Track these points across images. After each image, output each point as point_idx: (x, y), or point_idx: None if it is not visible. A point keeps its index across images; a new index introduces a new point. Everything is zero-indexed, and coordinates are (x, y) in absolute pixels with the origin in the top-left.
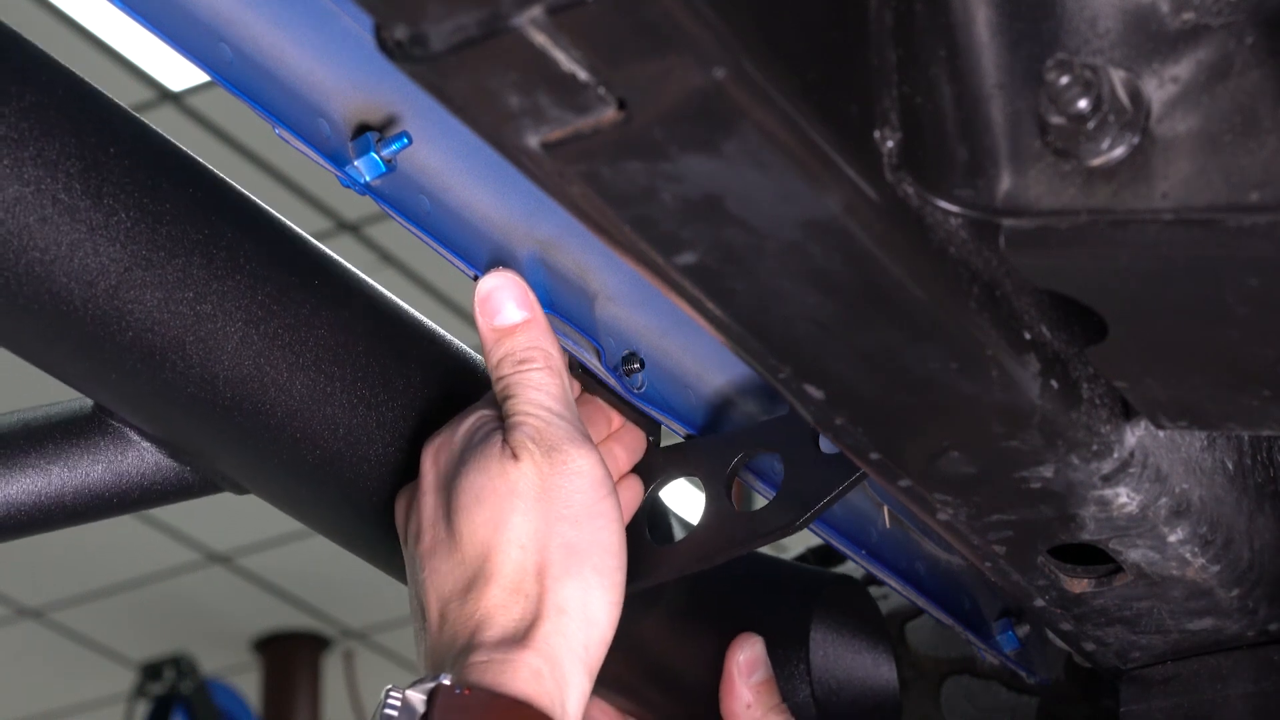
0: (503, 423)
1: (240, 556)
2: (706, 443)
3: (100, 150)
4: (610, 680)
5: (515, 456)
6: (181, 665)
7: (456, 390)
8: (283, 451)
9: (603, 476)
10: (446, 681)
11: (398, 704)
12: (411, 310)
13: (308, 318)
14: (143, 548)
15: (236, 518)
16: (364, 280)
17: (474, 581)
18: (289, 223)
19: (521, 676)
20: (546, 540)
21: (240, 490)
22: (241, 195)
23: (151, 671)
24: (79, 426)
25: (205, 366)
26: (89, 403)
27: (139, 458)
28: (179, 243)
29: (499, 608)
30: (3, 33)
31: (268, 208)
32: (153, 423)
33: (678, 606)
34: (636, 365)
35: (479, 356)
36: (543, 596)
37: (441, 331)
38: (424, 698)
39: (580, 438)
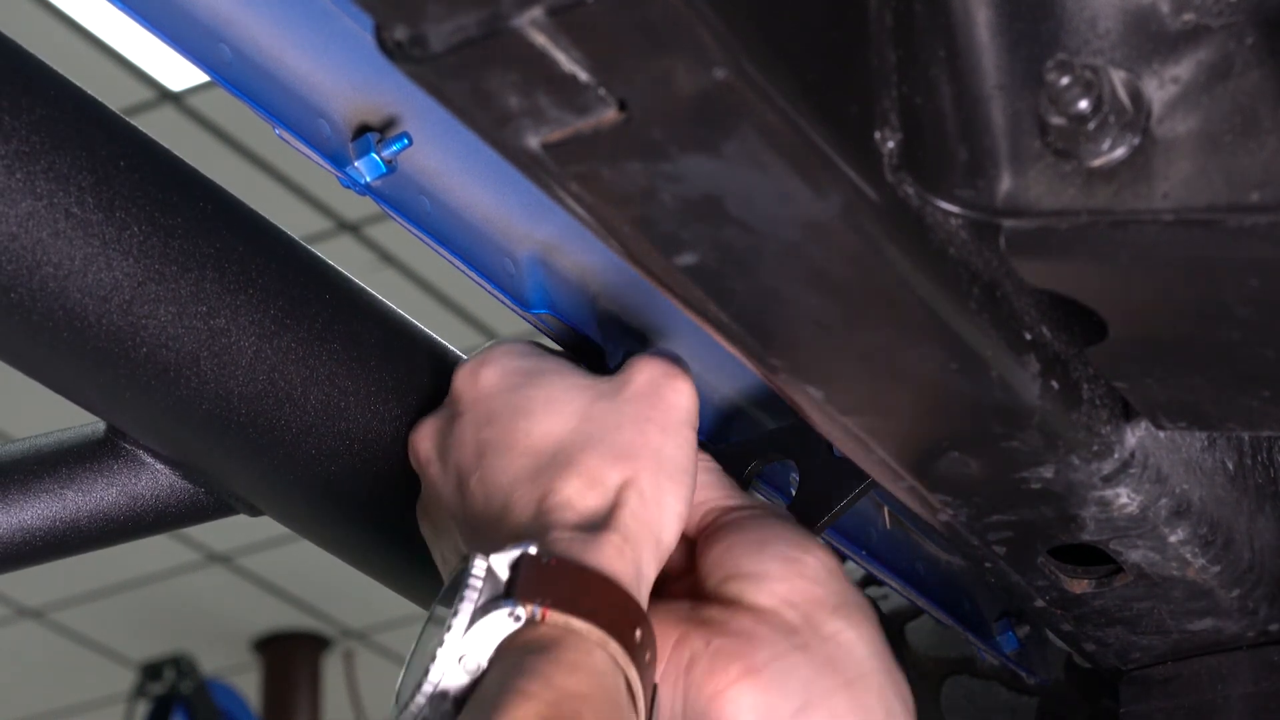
0: None
1: (240, 556)
2: (718, 451)
3: (111, 164)
4: None
5: (618, 371)
6: (181, 665)
7: None
8: (297, 469)
9: (696, 408)
10: (533, 551)
11: (483, 569)
12: (418, 324)
13: (320, 332)
14: (143, 548)
15: (237, 518)
16: (372, 293)
17: (546, 469)
18: (295, 237)
19: (606, 554)
20: (633, 439)
21: (254, 512)
22: (250, 209)
23: (151, 671)
24: (92, 450)
25: (219, 382)
26: (101, 426)
27: (153, 480)
28: (191, 257)
29: (576, 495)
30: (10, 47)
31: (275, 222)
32: (166, 442)
33: None
34: None
35: None
36: (624, 487)
37: (447, 345)
38: (508, 565)
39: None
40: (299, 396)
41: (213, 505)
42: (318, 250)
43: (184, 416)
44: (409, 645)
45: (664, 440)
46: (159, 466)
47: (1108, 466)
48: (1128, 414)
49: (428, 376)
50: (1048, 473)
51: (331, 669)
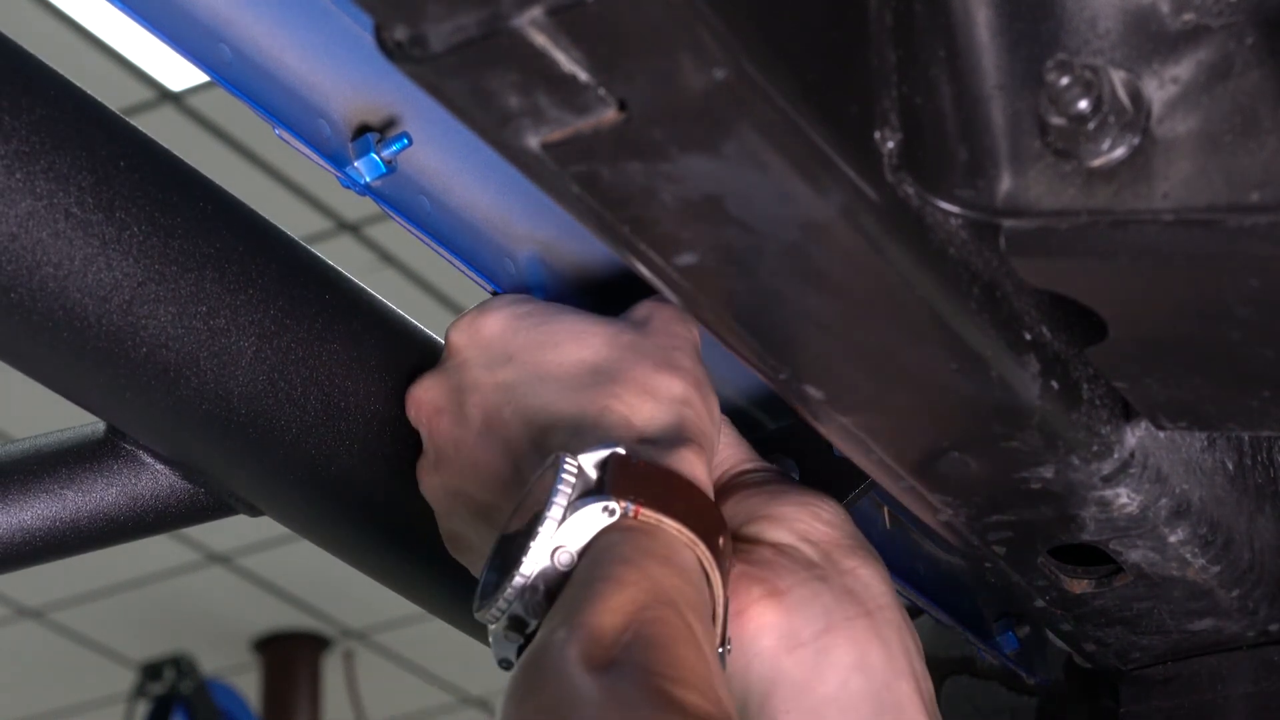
0: None
1: (240, 556)
2: None
3: (111, 164)
4: None
5: (631, 311)
6: (181, 665)
7: None
8: (297, 469)
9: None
10: (621, 451)
11: (574, 466)
12: (417, 323)
13: (320, 332)
14: (143, 548)
15: (237, 518)
16: (372, 293)
17: (590, 387)
18: (295, 237)
19: (688, 460)
20: (667, 358)
21: (254, 512)
22: (250, 209)
23: (151, 671)
24: (92, 451)
25: (220, 382)
26: (101, 427)
27: (153, 480)
28: (191, 257)
29: (631, 410)
30: (10, 47)
31: (275, 222)
32: (166, 443)
33: None
34: None
35: None
36: (677, 400)
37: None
38: (595, 464)
39: None
40: (299, 396)
41: (213, 505)
42: (318, 250)
43: (184, 416)
44: (409, 645)
45: (693, 363)
46: (159, 466)
47: (1108, 466)
48: (1128, 414)
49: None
50: (1048, 473)
51: (331, 669)
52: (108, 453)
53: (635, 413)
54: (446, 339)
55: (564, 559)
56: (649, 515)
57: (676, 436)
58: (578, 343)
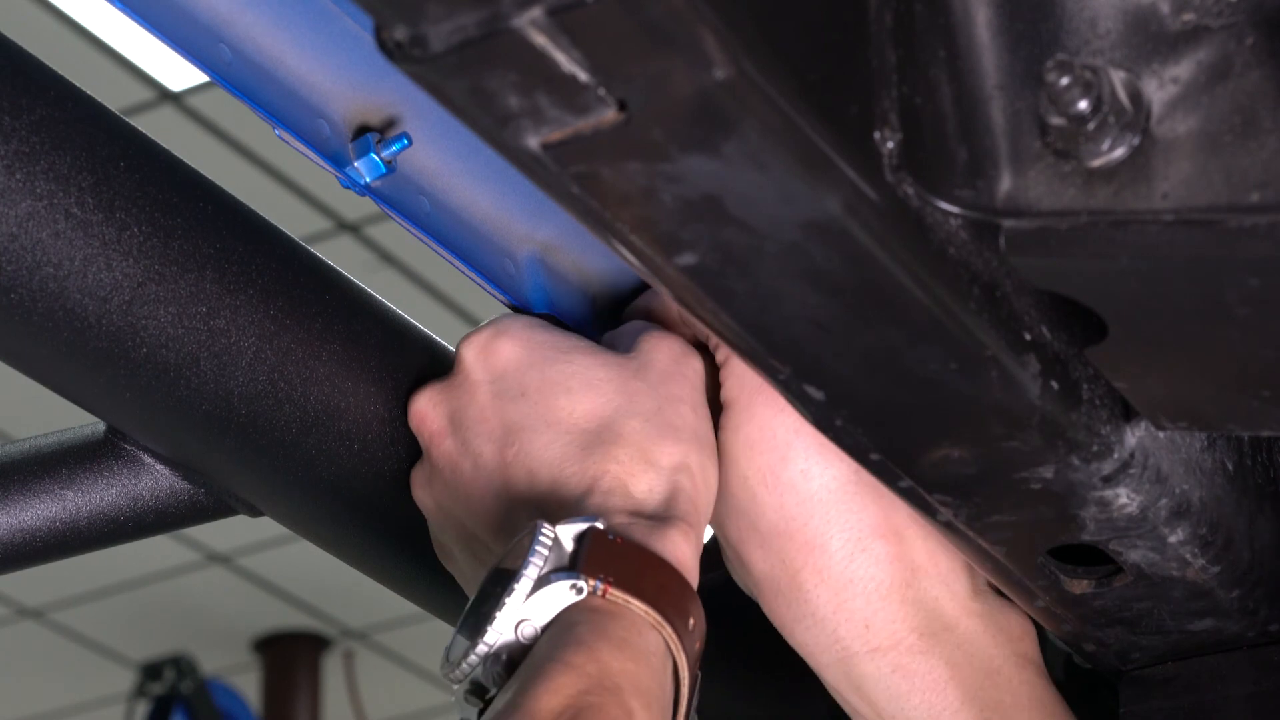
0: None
1: (240, 556)
2: None
3: (111, 164)
4: None
5: (634, 348)
6: (181, 665)
7: None
8: (297, 469)
9: (706, 385)
10: (600, 526)
11: (550, 537)
12: (418, 324)
13: (320, 332)
14: (143, 548)
15: (237, 518)
16: (372, 294)
17: (594, 447)
18: (295, 237)
19: (671, 539)
20: (673, 419)
21: (254, 513)
22: (250, 209)
23: (151, 671)
24: (92, 451)
25: (219, 382)
26: (101, 427)
27: (153, 481)
28: (191, 257)
29: (629, 475)
30: (10, 47)
31: (275, 222)
32: (166, 443)
33: None
34: None
35: None
36: (676, 470)
37: (447, 345)
38: (574, 537)
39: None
40: (299, 396)
41: (213, 505)
42: (318, 250)
43: (184, 417)
44: (409, 645)
45: (698, 420)
46: (159, 467)
47: (1108, 467)
48: (1128, 414)
49: (428, 376)
50: (1048, 473)
51: (331, 669)
52: (108, 453)
53: (633, 480)
54: (459, 354)
55: (527, 631)
56: (617, 595)
57: (667, 512)
58: (590, 392)
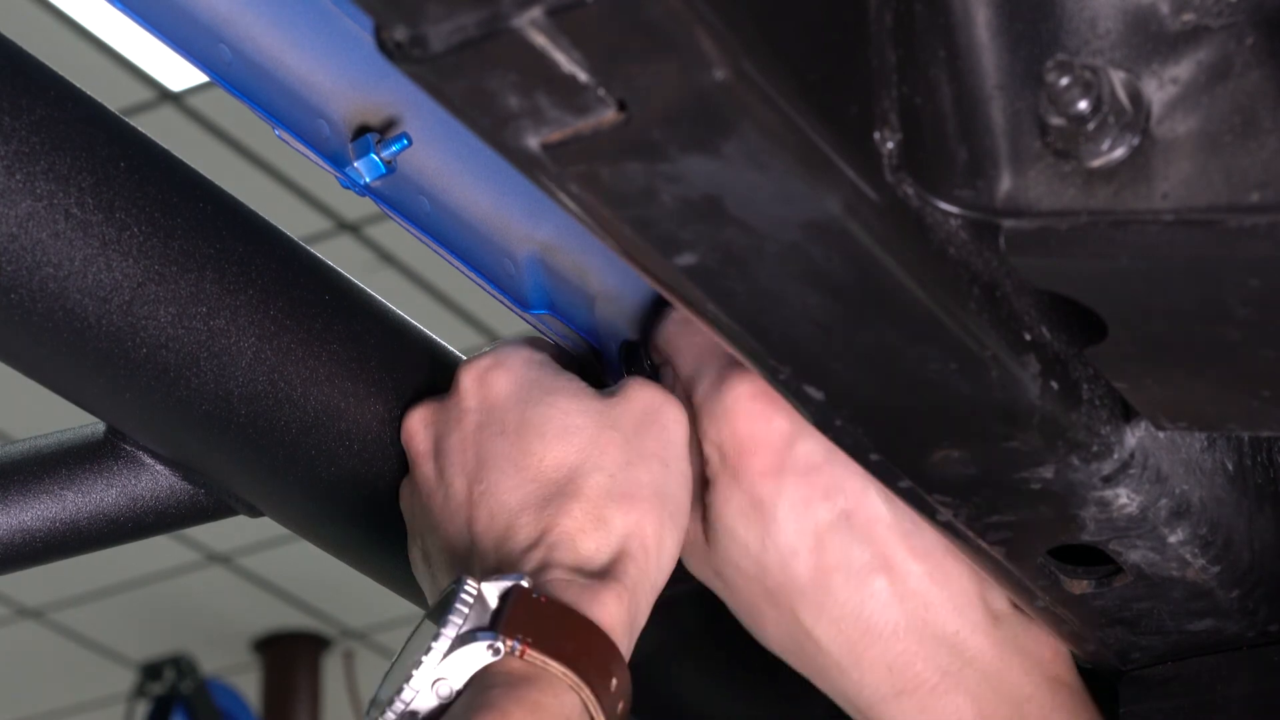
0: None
1: (240, 556)
2: None
3: (111, 164)
4: None
5: (615, 393)
6: (181, 665)
7: None
8: (297, 469)
9: (690, 436)
10: (525, 584)
11: (473, 594)
12: (418, 324)
13: (320, 332)
14: (143, 548)
15: (237, 518)
16: (372, 294)
17: (553, 499)
18: (295, 237)
19: (605, 602)
20: (637, 475)
21: (254, 512)
22: (250, 209)
23: (151, 671)
24: (92, 451)
25: (219, 383)
26: (101, 427)
27: (153, 481)
28: (191, 257)
29: (580, 531)
30: (10, 47)
31: (275, 222)
32: (166, 443)
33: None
34: None
35: None
36: (629, 535)
37: (447, 345)
38: (498, 594)
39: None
40: (299, 396)
41: (213, 506)
42: (318, 250)
43: (184, 417)
44: None
45: (667, 478)
46: (159, 467)
47: (1108, 467)
48: (1128, 414)
49: (427, 376)
50: (1048, 473)
51: (331, 669)
52: (108, 453)
53: (582, 538)
54: (457, 376)
55: (444, 691)
56: (535, 656)
57: (607, 572)
58: (561, 439)
